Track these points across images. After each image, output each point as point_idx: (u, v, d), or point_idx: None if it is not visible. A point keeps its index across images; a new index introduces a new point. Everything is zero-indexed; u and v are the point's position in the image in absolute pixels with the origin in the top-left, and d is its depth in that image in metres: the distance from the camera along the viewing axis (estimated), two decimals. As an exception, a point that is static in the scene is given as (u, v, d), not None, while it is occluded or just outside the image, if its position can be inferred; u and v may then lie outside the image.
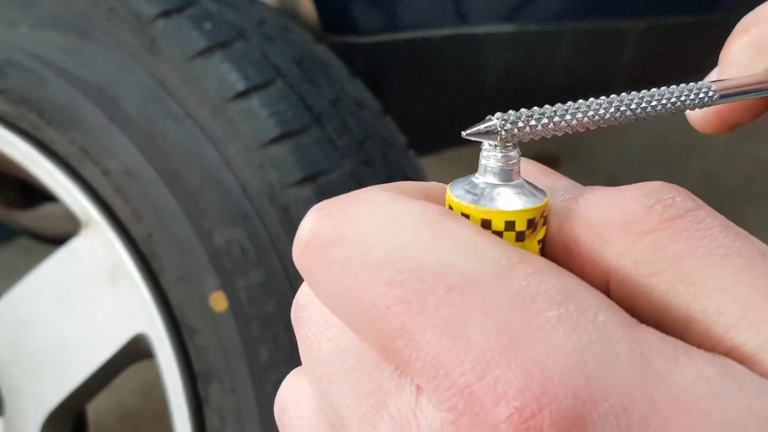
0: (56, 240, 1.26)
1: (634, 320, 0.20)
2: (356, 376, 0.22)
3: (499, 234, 0.22)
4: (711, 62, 0.38)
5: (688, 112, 0.30)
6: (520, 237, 0.22)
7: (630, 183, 0.23)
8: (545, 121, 0.22)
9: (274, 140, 0.77)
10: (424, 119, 1.13)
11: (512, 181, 0.22)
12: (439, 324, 0.20)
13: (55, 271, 0.86)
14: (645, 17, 1.05)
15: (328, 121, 0.81)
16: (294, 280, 0.77)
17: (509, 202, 0.22)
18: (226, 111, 0.78)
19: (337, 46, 0.99)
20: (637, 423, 0.18)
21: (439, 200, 0.24)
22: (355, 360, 0.22)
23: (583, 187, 0.24)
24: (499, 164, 0.22)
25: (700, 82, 0.27)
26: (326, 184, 0.78)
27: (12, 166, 0.88)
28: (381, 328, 0.20)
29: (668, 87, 0.25)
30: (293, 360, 0.76)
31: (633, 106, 0.24)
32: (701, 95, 0.26)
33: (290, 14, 0.99)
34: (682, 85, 0.26)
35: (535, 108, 0.23)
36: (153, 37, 0.81)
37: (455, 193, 0.23)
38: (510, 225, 0.22)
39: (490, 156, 0.22)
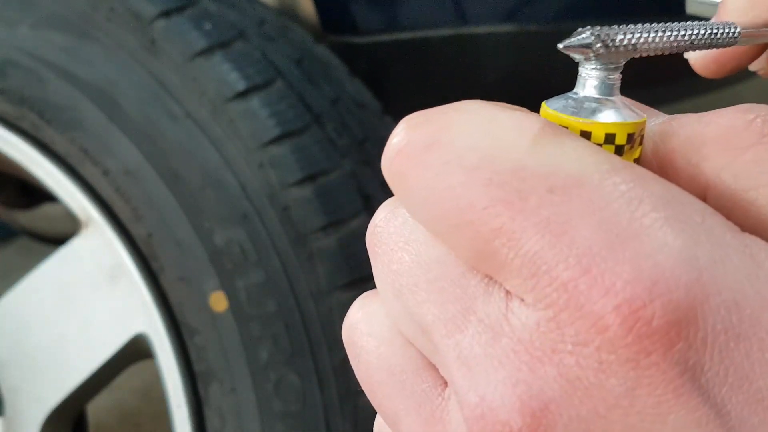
0: (56, 240, 1.26)
1: (738, 228, 0.20)
2: (441, 285, 0.21)
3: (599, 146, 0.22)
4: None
5: (690, 54, 0.32)
6: (619, 151, 0.22)
7: None
8: (638, 36, 0.23)
9: (274, 140, 0.77)
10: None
11: (612, 96, 0.22)
12: (542, 222, 0.19)
13: (55, 271, 0.86)
14: (645, 17, 1.05)
15: (328, 121, 0.81)
16: (294, 280, 0.77)
17: (609, 115, 0.22)
18: (226, 111, 0.78)
19: (337, 46, 0.99)
20: (748, 318, 0.18)
21: None
22: (440, 270, 0.22)
23: (673, 115, 0.24)
24: (601, 77, 0.22)
25: (725, 21, 0.27)
26: (326, 184, 0.78)
27: (12, 166, 0.88)
28: (477, 230, 0.20)
29: (698, 22, 0.25)
30: (293, 360, 0.76)
31: (694, 34, 0.24)
32: (727, 32, 0.26)
33: (290, 14, 0.99)
34: (710, 22, 0.26)
35: (631, 25, 0.23)
36: (153, 37, 0.81)
37: (553, 107, 0.22)
38: (610, 138, 0.22)
39: (592, 69, 0.22)
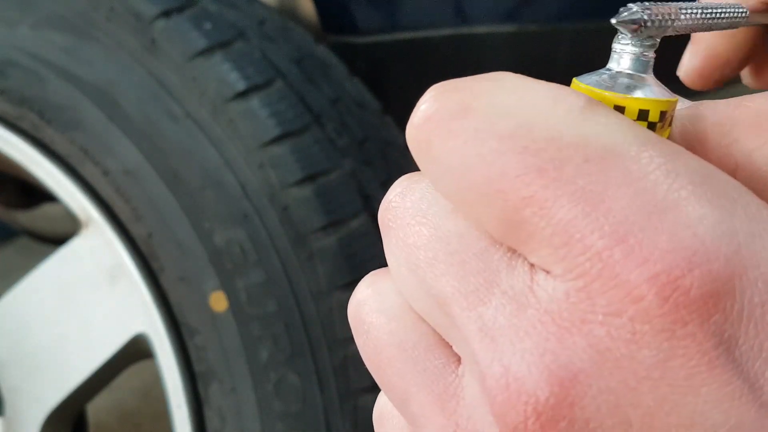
0: (56, 240, 1.26)
1: None
2: (462, 258, 0.21)
3: None
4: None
5: (680, 71, 0.34)
6: (651, 128, 0.22)
7: None
8: (686, 13, 0.23)
9: (274, 140, 0.77)
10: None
11: (646, 73, 0.22)
12: (577, 191, 0.19)
13: (55, 271, 0.86)
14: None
15: (328, 121, 0.81)
16: (294, 280, 0.77)
17: (643, 91, 0.22)
18: (226, 111, 0.78)
19: (337, 46, 0.99)
20: None
21: None
22: (460, 244, 0.21)
23: (700, 100, 0.24)
24: (636, 53, 0.22)
25: (733, 3, 0.27)
26: (326, 184, 0.78)
27: (12, 166, 0.88)
28: (507, 199, 0.19)
29: (712, 3, 0.25)
30: (293, 360, 0.76)
31: (714, 13, 0.24)
32: (738, 12, 0.26)
33: (290, 14, 0.99)
34: (721, 3, 0.26)
35: (667, 4, 0.23)
36: (153, 37, 0.81)
37: (586, 82, 0.22)
38: (643, 114, 0.22)
39: (626, 45, 0.22)
